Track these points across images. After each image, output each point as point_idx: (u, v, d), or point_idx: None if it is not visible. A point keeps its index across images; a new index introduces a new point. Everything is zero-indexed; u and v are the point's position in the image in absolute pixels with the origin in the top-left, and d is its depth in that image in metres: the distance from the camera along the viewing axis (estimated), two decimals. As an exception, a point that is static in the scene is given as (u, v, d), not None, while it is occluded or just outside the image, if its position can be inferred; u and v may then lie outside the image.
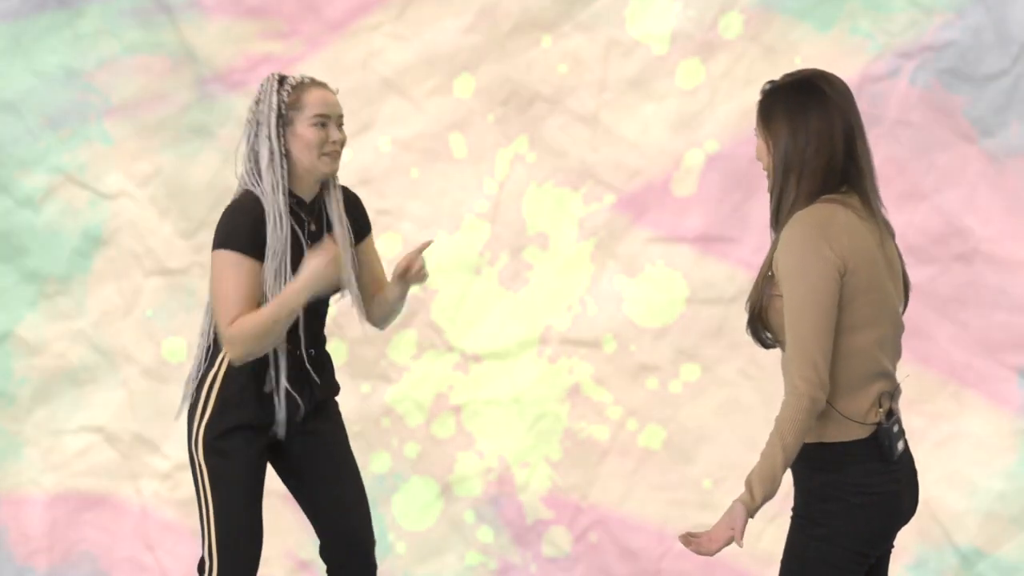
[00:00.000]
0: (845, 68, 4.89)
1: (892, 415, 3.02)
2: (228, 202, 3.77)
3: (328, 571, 3.92)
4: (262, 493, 3.77)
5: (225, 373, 3.72)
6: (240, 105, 5.04)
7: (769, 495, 2.94)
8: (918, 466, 3.13)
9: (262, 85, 3.72)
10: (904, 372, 3.14)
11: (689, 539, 2.99)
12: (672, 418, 5.22)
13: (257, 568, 3.74)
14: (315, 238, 3.75)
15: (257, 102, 3.71)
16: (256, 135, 3.69)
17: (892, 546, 3.15)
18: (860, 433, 2.98)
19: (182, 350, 5.40)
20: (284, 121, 3.68)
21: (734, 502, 2.95)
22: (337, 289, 3.82)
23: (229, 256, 3.64)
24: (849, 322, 2.97)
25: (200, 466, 3.72)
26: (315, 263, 3.63)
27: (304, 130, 3.68)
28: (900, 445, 3.03)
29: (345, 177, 5.33)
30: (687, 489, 5.20)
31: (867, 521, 2.98)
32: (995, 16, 4.99)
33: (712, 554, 2.97)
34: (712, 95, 5.16)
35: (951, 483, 5.02)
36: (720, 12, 5.16)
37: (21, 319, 5.50)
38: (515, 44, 5.25)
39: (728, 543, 2.96)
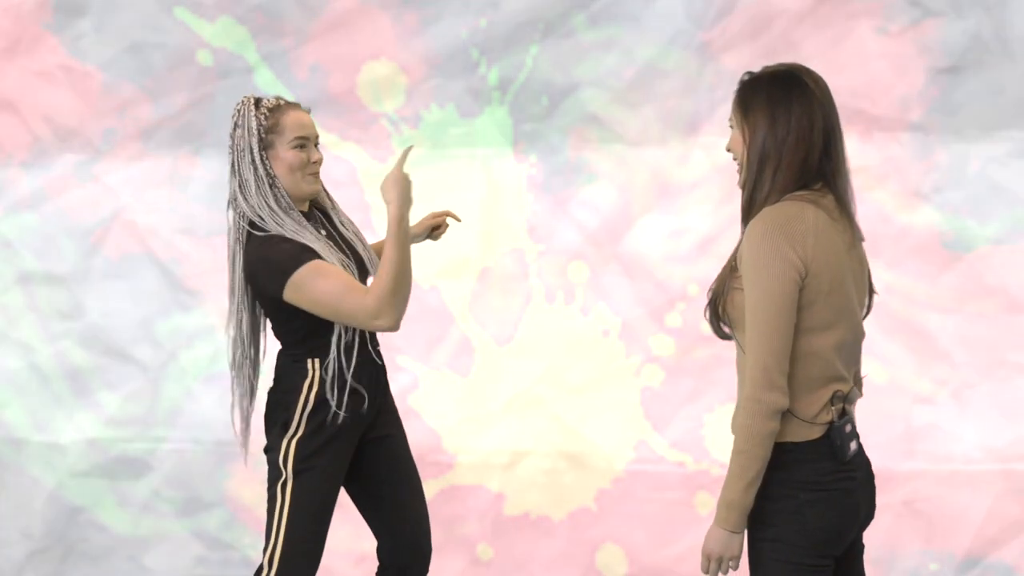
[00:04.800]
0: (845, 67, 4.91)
1: (845, 415, 2.97)
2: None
3: (380, 570, 3.97)
4: (334, 509, 3.80)
5: (319, 388, 3.72)
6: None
7: (731, 502, 2.92)
8: None
9: (238, 109, 3.74)
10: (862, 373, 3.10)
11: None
12: (683, 413, 5.22)
13: None
14: (332, 240, 3.81)
15: (235, 127, 3.73)
16: (240, 161, 3.72)
17: (862, 546, 3.11)
18: (811, 434, 2.93)
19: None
20: (264, 144, 3.72)
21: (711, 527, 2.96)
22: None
23: (305, 270, 3.60)
24: (808, 324, 2.90)
25: (287, 480, 3.71)
26: (389, 184, 3.60)
27: (285, 153, 3.73)
28: (853, 445, 2.98)
29: (344, 177, 5.35)
30: (689, 489, 5.20)
31: (817, 518, 2.92)
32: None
33: (735, 567, 2.98)
34: (712, 95, 5.17)
35: None
36: (720, 12, 5.18)
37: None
38: (516, 44, 5.26)
39: (731, 554, 2.97)
